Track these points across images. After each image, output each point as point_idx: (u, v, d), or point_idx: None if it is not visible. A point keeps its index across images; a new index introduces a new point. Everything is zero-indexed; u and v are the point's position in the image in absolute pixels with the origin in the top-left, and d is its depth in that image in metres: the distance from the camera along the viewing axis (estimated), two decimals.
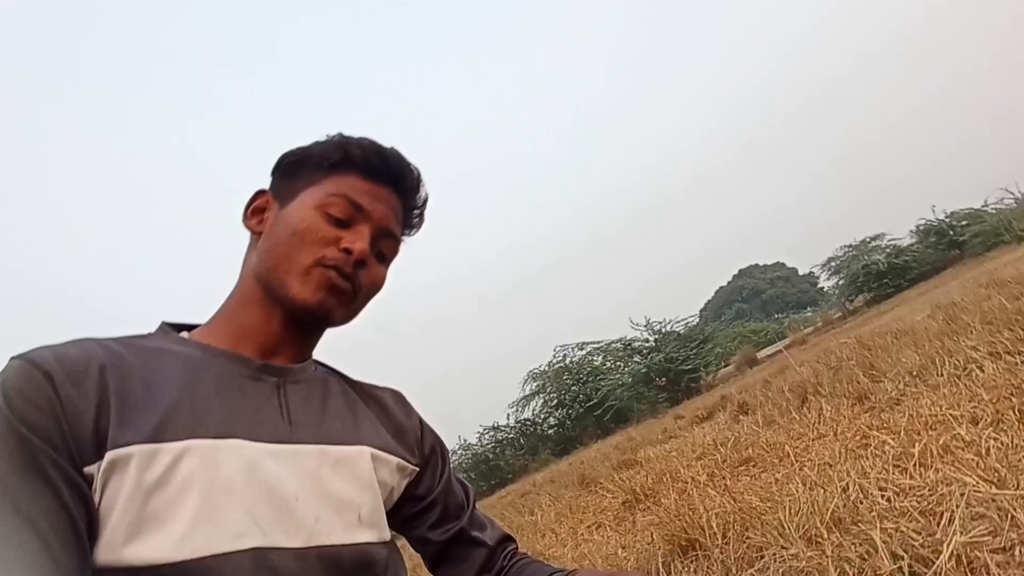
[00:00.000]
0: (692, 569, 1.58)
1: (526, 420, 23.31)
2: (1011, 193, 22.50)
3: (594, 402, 20.42)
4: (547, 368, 23.51)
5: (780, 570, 1.25)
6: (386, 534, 0.76)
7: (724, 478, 2.65)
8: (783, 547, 1.35)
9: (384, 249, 0.85)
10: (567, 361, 23.31)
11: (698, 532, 1.73)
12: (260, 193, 0.83)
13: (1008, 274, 5.35)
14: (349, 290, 0.79)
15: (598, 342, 23.40)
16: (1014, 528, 1.01)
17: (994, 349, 2.56)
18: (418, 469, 0.87)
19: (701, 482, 2.74)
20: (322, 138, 0.83)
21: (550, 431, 22.51)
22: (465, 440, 22.85)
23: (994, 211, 21.13)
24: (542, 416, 23.02)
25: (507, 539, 0.94)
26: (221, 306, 0.80)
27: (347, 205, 0.79)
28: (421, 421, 0.93)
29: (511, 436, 23.15)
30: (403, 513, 0.85)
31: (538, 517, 4.49)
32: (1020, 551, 0.95)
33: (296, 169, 0.82)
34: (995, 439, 1.52)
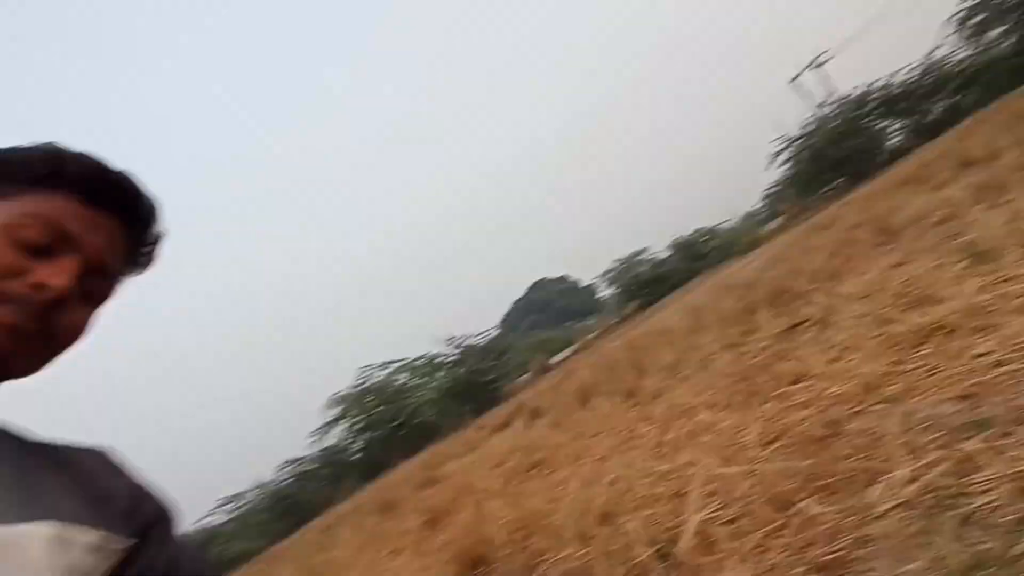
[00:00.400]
0: None
1: (329, 448, 22.10)
2: (737, 214, 27.61)
3: (400, 421, 20.13)
4: (350, 391, 22.61)
5: (557, 573, 1.28)
6: None
7: (517, 483, 2.72)
8: (560, 548, 1.39)
9: (94, 289, 0.68)
10: (371, 383, 22.69)
11: (486, 546, 1.73)
12: None
13: (736, 279, 6.47)
14: (33, 334, 0.61)
15: (402, 360, 23.19)
16: (739, 500, 1.15)
17: (726, 342, 3.03)
18: (130, 542, 0.69)
19: (495, 492, 2.78)
20: (25, 144, 0.64)
21: (356, 456, 21.61)
22: (260, 480, 20.93)
23: (725, 229, 25.77)
24: (347, 442, 22.03)
25: None
26: None
27: (48, 230, 0.61)
28: (137, 484, 0.75)
29: (314, 467, 21.75)
30: None
31: (337, 552, 4.20)
32: (744, 521, 1.09)
33: None
34: (727, 420, 1.76)
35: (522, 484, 2.64)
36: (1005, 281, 1.66)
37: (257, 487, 20.65)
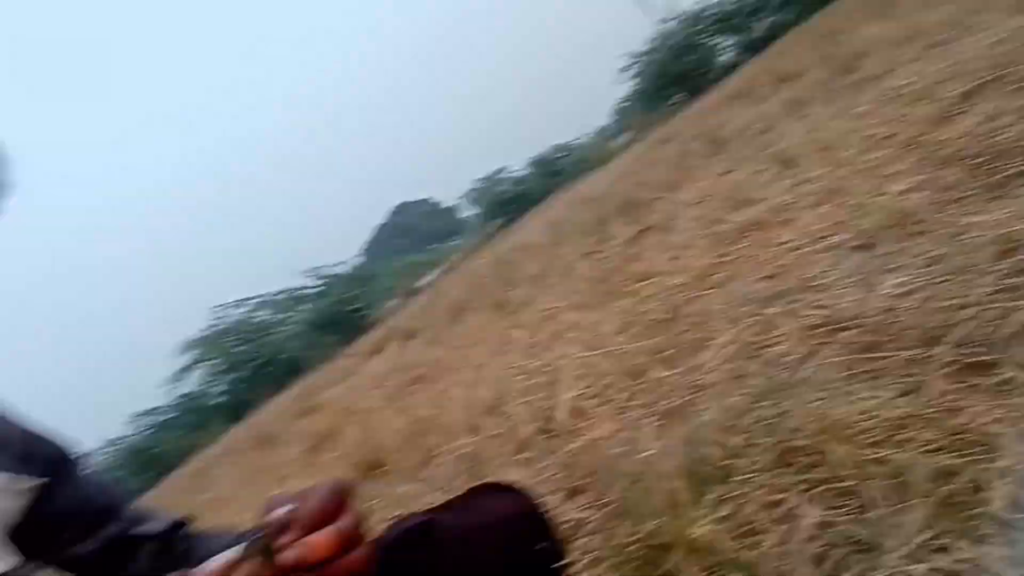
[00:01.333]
0: (381, 485, 1.68)
1: (186, 395, 20.75)
2: (589, 130, 28.54)
3: (265, 359, 19.35)
4: (205, 334, 21.11)
5: (452, 460, 1.43)
6: (12, 560, 0.61)
7: (400, 399, 2.84)
8: (452, 441, 1.54)
9: None
10: (227, 322, 21.34)
11: (381, 452, 1.84)
12: None
13: (590, 193, 6.88)
14: None
15: (259, 296, 21.97)
16: (603, 378, 1.36)
17: (584, 251, 3.30)
18: (37, 482, 0.70)
19: (379, 408, 2.89)
20: None
21: (220, 399, 20.57)
22: (112, 438, 19.34)
23: (579, 144, 26.63)
24: (207, 386, 20.80)
25: (181, 522, 0.85)
26: None
27: None
28: (31, 430, 0.75)
29: (171, 417, 20.40)
30: (34, 536, 0.69)
31: (216, 492, 4.13)
32: (607, 393, 1.30)
33: None
34: (588, 318, 1.99)
35: (406, 398, 2.77)
36: (803, 183, 1.99)
37: (107, 445, 19.07)
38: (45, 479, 0.72)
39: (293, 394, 8.39)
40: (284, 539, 0.53)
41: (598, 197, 5.35)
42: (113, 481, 0.84)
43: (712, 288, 1.58)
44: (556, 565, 0.79)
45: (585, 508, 0.92)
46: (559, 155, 26.17)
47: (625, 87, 25.19)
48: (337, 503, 0.61)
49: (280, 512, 0.59)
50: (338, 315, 19.93)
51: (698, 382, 1.09)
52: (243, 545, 0.49)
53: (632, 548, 0.65)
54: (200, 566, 0.48)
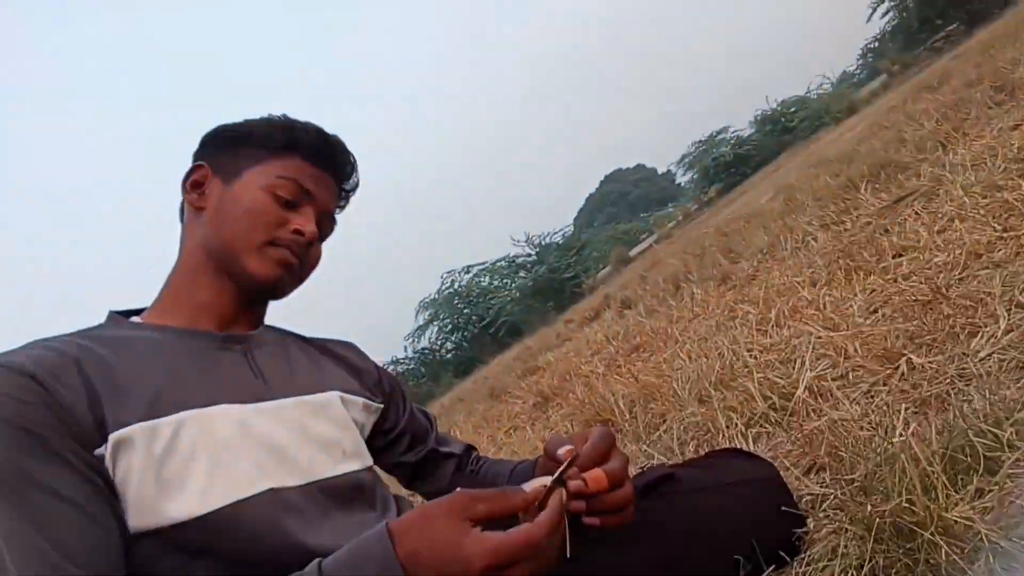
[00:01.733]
0: None
1: (424, 349, 23.74)
2: (828, 78, 25.09)
3: (487, 321, 21.17)
4: (437, 296, 23.82)
5: (680, 428, 1.51)
6: (368, 461, 0.88)
7: (620, 366, 2.98)
8: (680, 409, 1.62)
9: (324, 230, 0.93)
10: (455, 286, 23.78)
11: (608, 412, 2.00)
12: (198, 166, 0.85)
13: (830, 153, 6.15)
14: (298, 267, 0.87)
15: (483, 263, 23.98)
16: (847, 360, 1.32)
17: (823, 221, 3.03)
18: (382, 406, 0.98)
19: (601, 373, 3.06)
20: (256, 116, 0.86)
21: (448, 355, 23.15)
22: None
23: (815, 96, 23.58)
24: (439, 342, 23.55)
25: (471, 447, 1.10)
26: (167, 283, 0.83)
27: (295, 188, 0.85)
28: (376, 365, 1.04)
29: (411, 367, 23.57)
30: (375, 446, 0.97)
31: (456, 433, 4.74)
32: (851, 375, 1.26)
33: (237, 146, 0.84)
34: (829, 295, 1.88)
35: (627, 366, 2.89)
36: None
37: None
38: (384, 404, 0.99)
39: (514, 355, 9.09)
40: (569, 472, 0.69)
41: (841, 158, 4.78)
42: (425, 409, 1.11)
43: (988, 267, 1.39)
44: (797, 531, 0.84)
45: (825, 485, 0.94)
46: (790, 109, 23.49)
47: (875, 23, 21.56)
48: (606, 448, 0.76)
49: (565, 449, 0.75)
50: (553, 282, 20.85)
51: (964, 370, 1.01)
52: (554, 476, 0.66)
53: (878, 523, 0.68)
54: (524, 484, 0.66)
